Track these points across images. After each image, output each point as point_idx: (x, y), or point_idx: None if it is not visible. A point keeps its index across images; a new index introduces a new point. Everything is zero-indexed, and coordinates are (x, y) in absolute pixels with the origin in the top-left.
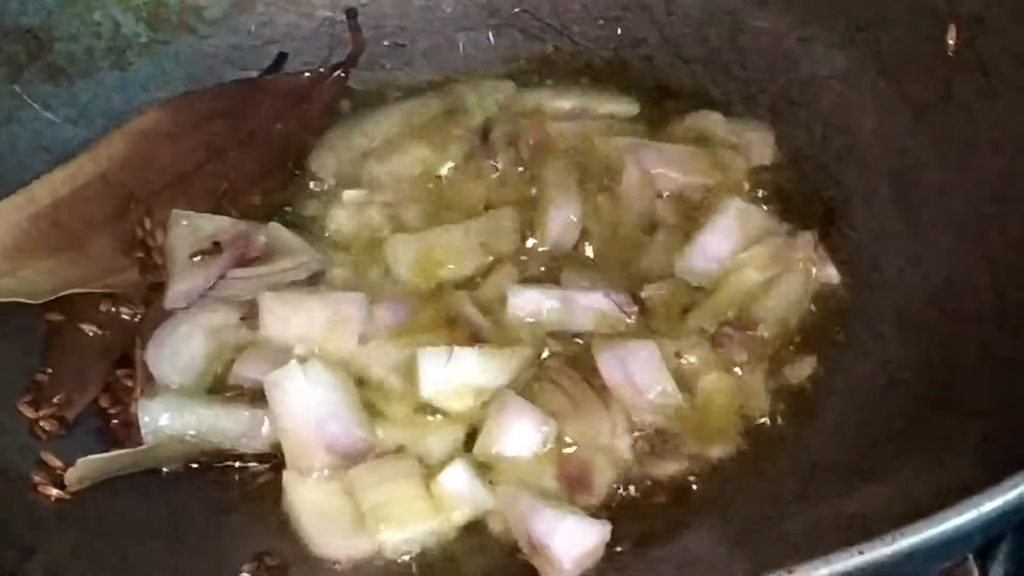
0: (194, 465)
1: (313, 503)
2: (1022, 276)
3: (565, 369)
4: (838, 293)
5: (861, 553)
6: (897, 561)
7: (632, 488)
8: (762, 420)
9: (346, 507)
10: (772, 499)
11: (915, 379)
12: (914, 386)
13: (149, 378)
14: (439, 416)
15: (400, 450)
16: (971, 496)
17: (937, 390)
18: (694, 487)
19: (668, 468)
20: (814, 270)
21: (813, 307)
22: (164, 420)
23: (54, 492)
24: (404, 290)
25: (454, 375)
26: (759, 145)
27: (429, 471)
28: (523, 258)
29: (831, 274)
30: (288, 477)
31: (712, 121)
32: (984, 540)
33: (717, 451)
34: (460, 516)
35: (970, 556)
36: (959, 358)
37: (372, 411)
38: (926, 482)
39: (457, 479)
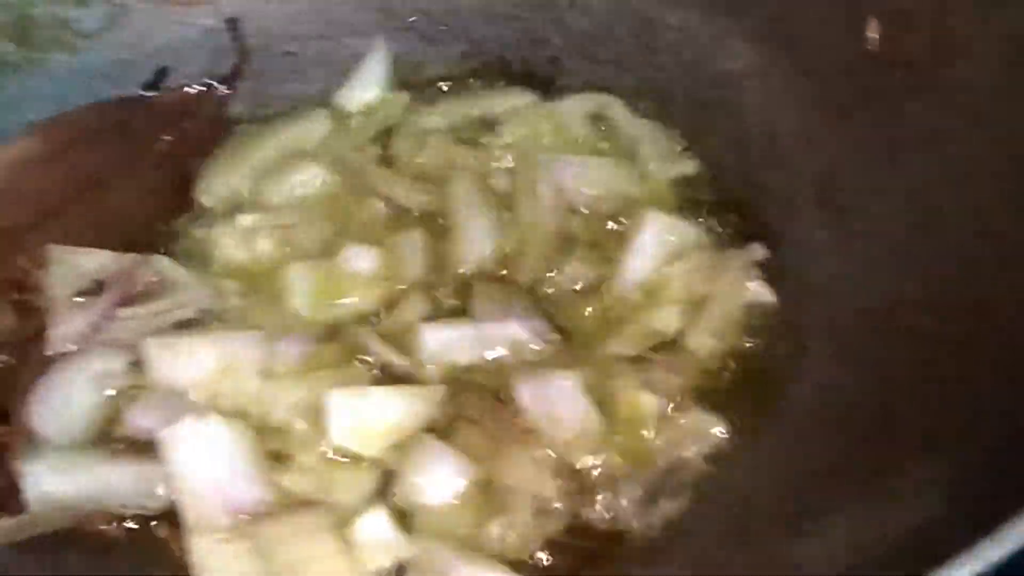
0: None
1: (225, 568)
2: (958, 287)
3: (484, 406)
4: (765, 310)
5: None
6: None
7: (559, 535)
8: (690, 454)
9: (260, 570)
10: (707, 543)
11: (851, 404)
12: (851, 412)
13: (30, 435)
14: (350, 462)
15: (310, 500)
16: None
17: (875, 416)
18: (623, 532)
19: (595, 510)
20: (746, 290)
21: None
22: (50, 484)
23: None
24: (303, 324)
25: (365, 418)
26: (653, 143)
27: (341, 521)
28: (431, 281)
29: (763, 293)
30: (196, 542)
31: (608, 104)
32: None
33: (644, 480)
34: (375, 566)
35: None
36: (896, 379)
37: (277, 459)
38: (872, 523)
39: (375, 528)
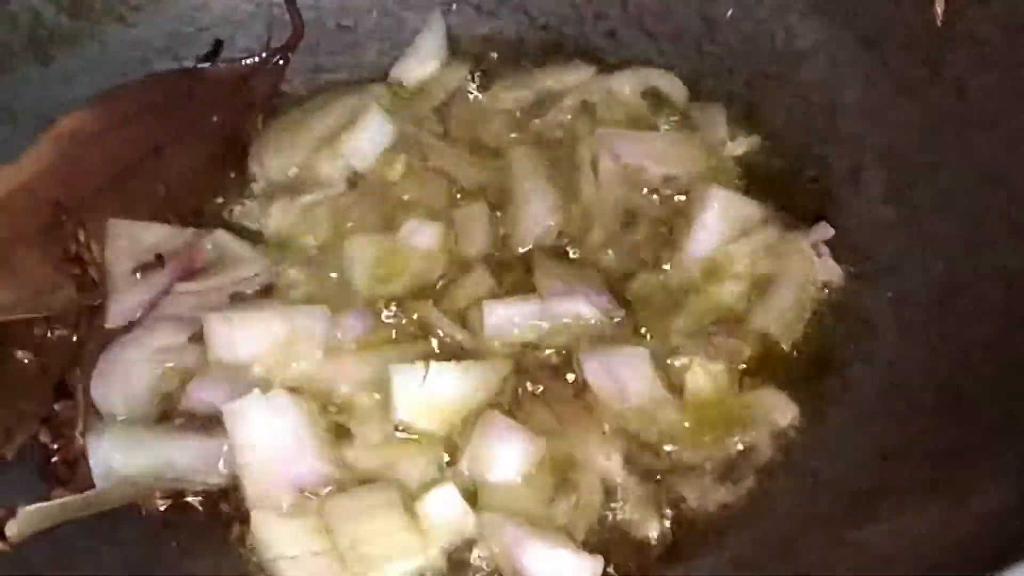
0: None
1: (289, 545)
2: None
3: (550, 382)
4: (832, 289)
5: None
6: None
7: (625, 514)
8: (757, 435)
9: (325, 547)
10: (775, 525)
11: (921, 383)
12: (921, 392)
13: (92, 409)
14: (415, 437)
15: (375, 476)
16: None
17: (946, 396)
18: (688, 513)
19: (661, 489)
20: (815, 268)
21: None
22: (116, 460)
23: None
24: (362, 299)
25: (432, 393)
26: (711, 120)
27: (407, 497)
28: (492, 256)
29: (831, 271)
30: (258, 517)
31: (665, 80)
32: None
33: (711, 459)
34: (443, 543)
35: None
36: (967, 358)
37: (341, 433)
38: (944, 510)
39: (444, 503)
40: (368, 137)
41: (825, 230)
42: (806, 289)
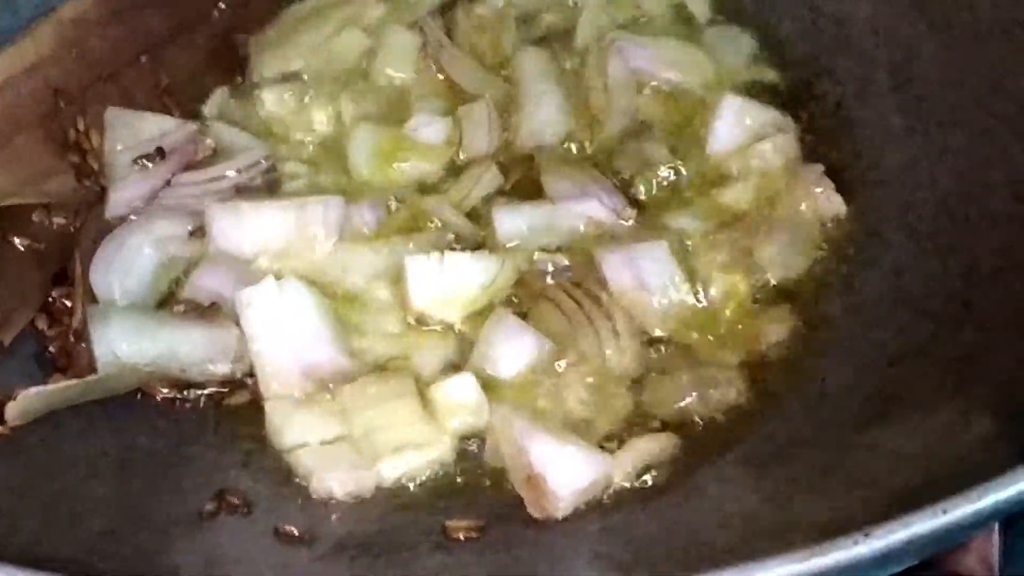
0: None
1: (304, 432)
2: None
3: (561, 284)
4: (834, 220)
5: (944, 512)
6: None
7: (629, 414)
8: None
9: (340, 434)
10: (783, 427)
11: (930, 291)
12: (930, 299)
13: (90, 296)
14: (427, 328)
15: (387, 366)
16: None
17: (955, 303)
18: (699, 413)
19: (678, 390)
20: (817, 202)
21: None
22: (121, 348)
23: None
24: (364, 190)
25: (447, 282)
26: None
27: (421, 388)
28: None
29: (836, 205)
30: (273, 405)
31: None
32: None
33: (731, 358)
34: (455, 432)
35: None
36: (976, 266)
37: (352, 323)
38: (957, 413)
39: (461, 389)
40: (396, 53)
41: (817, 169)
42: (809, 225)
